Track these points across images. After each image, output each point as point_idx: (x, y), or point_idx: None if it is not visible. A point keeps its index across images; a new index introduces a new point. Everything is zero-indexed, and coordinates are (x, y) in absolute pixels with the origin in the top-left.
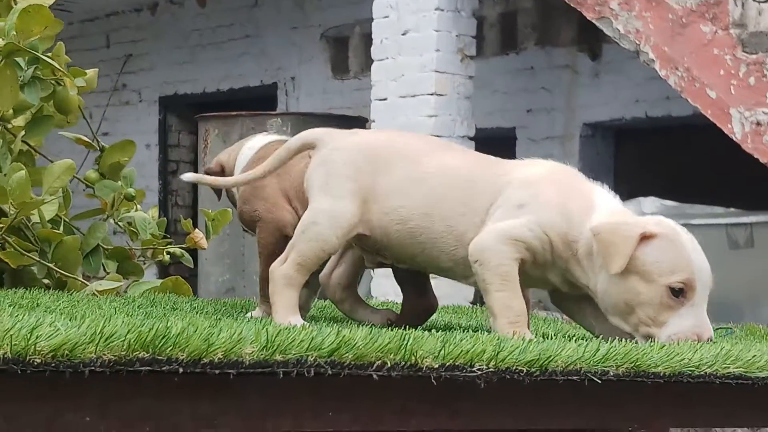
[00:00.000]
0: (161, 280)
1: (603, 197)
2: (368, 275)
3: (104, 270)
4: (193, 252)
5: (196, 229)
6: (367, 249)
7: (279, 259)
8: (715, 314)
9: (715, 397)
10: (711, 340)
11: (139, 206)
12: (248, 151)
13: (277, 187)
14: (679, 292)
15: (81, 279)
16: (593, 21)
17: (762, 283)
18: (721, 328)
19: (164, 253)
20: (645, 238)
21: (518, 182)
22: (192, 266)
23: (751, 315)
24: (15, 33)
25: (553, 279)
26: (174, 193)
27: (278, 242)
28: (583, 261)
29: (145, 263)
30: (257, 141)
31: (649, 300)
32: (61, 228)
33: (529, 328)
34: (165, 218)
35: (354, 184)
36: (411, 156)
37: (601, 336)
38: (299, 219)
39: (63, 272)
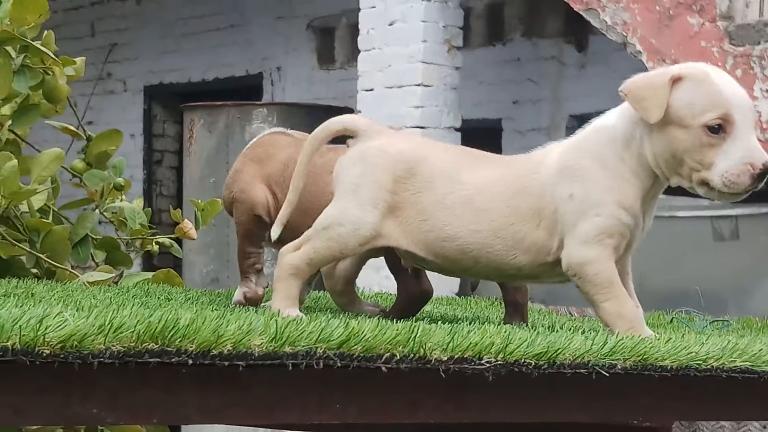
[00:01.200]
0: (152, 273)
1: None
2: None
3: (92, 260)
4: (177, 242)
5: (186, 219)
6: (406, 257)
7: (292, 244)
8: (701, 307)
9: (719, 391)
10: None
11: (124, 196)
12: (247, 144)
13: (255, 172)
14: (718, 129)
15: (70, 269)
16: (580, 12)
17: (747, 275)
18: (717, 320)
19: (153, 243)
20: (675, 82)
21: (552, 175)
22: (181, 256)
23: (736, 308)
24: (8, 21)
25: (638, 233)
26: (158, 183)
27: (251, 221)
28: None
29: (133, 253)
30: (258, 135)
31: (691, 145)
32: (50, 218)
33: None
34: (150, 208)
35: (389, 196)
36: (451, 172)
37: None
38: (278, 203)
39: (52, 262)
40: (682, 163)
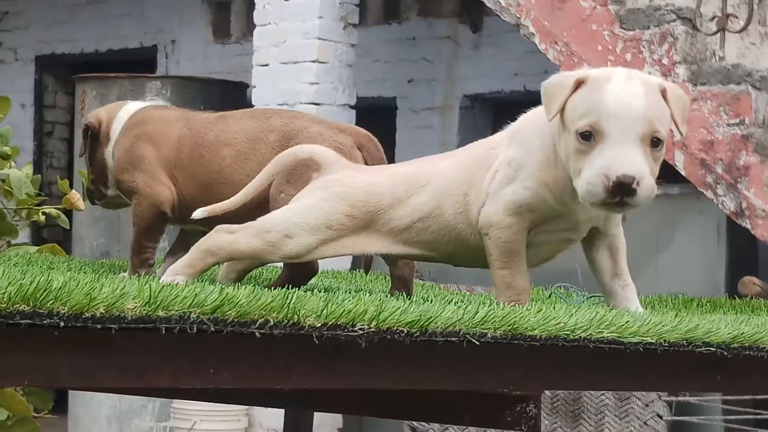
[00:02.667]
0: (37, 246)
1: None
2: None
3: None
4: (68, 214)
5: (73, 190)
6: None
7: (230, 227)
8: (580, 284)
9: (587, 361)
10: (626, 180)
11: (13, 164)
12: (124, 115)
13: (156, 157)
14: (589, 136)
15: None
16: None
17: (631, 257)
18: (595, 296)
19: (40, 214)
20: (579, 84)
21: (504, 140)
22: (68, 227)
23: None
24: None
25: (583, 218)
26: (49, 155)
27: (155, 217)
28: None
29: (19, 224)
30: (134, 105)
31: (570, 150)
32: None
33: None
34: (39, 176)
35: (347, 219)
36: (412, 178)
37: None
38: (177, 190)
39: None
40: (570, 168)
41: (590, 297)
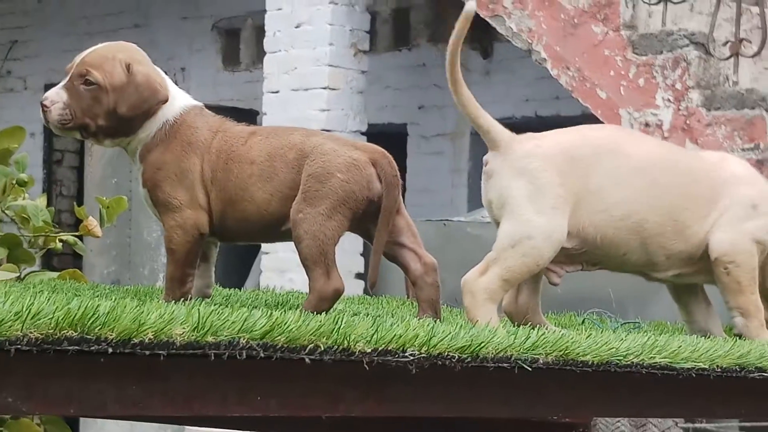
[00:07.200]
0: (58, 272)
1: None
2: (257, 269)
3: None
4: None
5: (90, 217)
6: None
7: (475, 270)
8: (613, 309)
9: (639, 387)
10: None
11: (27, 194)
12: (171, 111)
13: (199, 171)
14: None
15: None
16: (486, 19)
17: (648, 282)
18: (628, 322)
19: (57, 241)
20: None
21: (739, 180)
22: (84, 254)
23: (634, 314)
24: None
25: None
26: (59, 183)
27: (196, 242)
28: None
29: (36, 251)
30: (181, 99)
31: None
32: None
33: None
34: (53, 207)
35: (563, 190)
36: (614, 147)
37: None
38: (210, 210)
39: None
40: None
41: (624, 323)
